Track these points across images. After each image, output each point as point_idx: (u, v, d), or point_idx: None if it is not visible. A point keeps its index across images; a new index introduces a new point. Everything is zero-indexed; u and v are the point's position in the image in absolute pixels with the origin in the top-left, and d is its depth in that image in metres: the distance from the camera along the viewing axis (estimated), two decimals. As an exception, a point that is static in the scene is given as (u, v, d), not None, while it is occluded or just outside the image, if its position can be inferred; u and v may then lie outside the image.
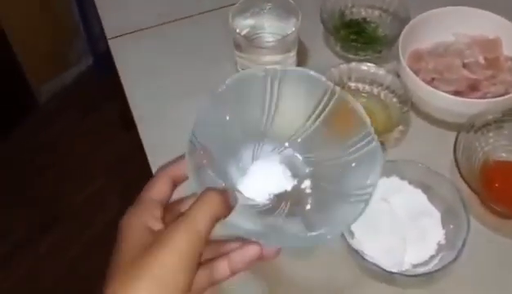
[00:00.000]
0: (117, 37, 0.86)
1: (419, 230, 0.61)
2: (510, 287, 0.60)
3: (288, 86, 0.46)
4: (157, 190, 0.40)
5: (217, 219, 0.37)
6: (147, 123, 0.76)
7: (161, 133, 0.75)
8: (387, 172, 0.64)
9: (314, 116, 0.47)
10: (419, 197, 0.63)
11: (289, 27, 0.73)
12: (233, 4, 0.75)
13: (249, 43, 0.74)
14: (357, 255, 0.58)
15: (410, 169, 0.64)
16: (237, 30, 0.73)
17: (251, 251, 0.39)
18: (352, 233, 0.61)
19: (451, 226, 0.60)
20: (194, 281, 0.36)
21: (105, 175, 1.57)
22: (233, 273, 0.39)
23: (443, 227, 0.61)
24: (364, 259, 0.57)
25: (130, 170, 1.14)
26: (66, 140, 1.65)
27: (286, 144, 0.48)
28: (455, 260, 0.56)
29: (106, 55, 0.89)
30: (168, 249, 0.35)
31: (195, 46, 0.85)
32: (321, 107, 0.47)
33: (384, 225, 0.62)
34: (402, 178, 0.64)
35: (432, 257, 0.59)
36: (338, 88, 0.46)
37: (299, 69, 0.48)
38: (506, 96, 0.66)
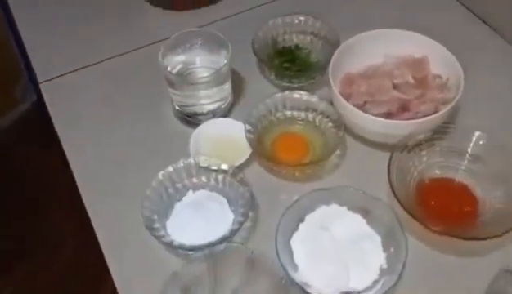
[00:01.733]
0: (49, 80, 0.85)
1: (360, 255, 0.62)
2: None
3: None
4: None
5: None
6: (84, 165, 0.74)
7: (98, 174, 0.73)
8: (325, 200, 0.65)
9: None
10: (358, 222, 0.64)
11: (221, 60, 0.73)
12: (165, 39, 0.74)
13: (182, 80, 0.74)
14: (299, 288, 0.57)
15: (347, 195, 0.65)
16: (168, 68, 0.72)
17: None
18: (295, 266, 0.61)
19: (392, 249, 0.61)
20: None
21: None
22: None
23: (384, 250, 0.62)
24: (307, 292, 0.57)
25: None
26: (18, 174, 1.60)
27: None
28: (395, 284, 0.57)
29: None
30: None
31: (130, 85, 0.84)
32: None
33: (325, 254, 0.62)
34: (341, 204, 0.65)
35: (375, 282, 0.60)
36: None
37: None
38: (435, 115, 0.68)
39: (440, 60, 0.75)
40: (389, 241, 0.62)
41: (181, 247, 0.62)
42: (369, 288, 0.59)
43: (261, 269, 0.59)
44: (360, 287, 0.60)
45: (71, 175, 0.73)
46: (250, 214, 0.67)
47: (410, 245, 0.60)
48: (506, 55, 0.86)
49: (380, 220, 0.63)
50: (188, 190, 0.68)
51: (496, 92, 0.80)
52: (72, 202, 0.73)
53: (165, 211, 0.66)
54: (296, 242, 0.63)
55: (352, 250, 0.62)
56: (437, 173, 0.69)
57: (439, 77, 0.76)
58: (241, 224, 0.63)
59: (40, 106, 1.72)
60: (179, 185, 0.68)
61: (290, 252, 0.62)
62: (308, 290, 0.57)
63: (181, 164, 0.67)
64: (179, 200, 0.68)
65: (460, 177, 0.68)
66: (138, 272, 0.64)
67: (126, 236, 0.67)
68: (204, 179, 0.69)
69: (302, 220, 0.64)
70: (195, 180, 0.69)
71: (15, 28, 1.58)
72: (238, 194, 0.66)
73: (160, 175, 0.66)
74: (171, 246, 0.62)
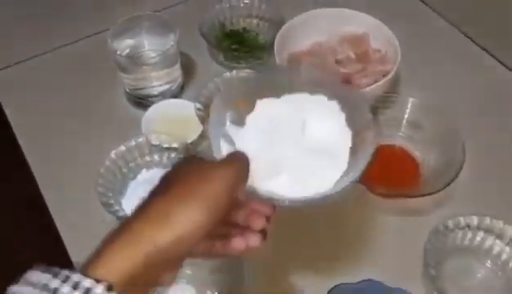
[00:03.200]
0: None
1: (307, 170, 0.46)
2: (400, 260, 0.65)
3: None
4: None
5: (246, 177, 0.41)
6: (37, 156, 0.75)
7: (54, 162, 0.75)
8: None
9: None
10: (342, 141, 0.48)
11: (169, 42, 0.75)
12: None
13: (131, 62, 0.75)
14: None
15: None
16: (118, 52, 0.74)
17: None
18: (243, 122, 0.49)
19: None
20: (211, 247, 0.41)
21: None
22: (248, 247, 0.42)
23: (334, 184, 0.45)
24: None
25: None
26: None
27: None
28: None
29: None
30: (218, 177, 0.38)
31: (80, 75, 0.85)
32: None
33: (278, 136, 0.48)
34: (343, 110, 0.49)
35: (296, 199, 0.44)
36: None
37: None
38: (373, 86, 0.71)
39: (379, 36, 0.79)
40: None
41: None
42: (282, 198, 0.44)
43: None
44: (276, 191, 0.45)
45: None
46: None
47: (356, 212, 0.64)
48: (437, 26, 0.92)
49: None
50: (142, 169, 0.70)
51: (430, 61, 0.85)
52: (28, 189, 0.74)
53: (120, 190, 0.68)
54: (264, 103, 0.49)
55: (305, 159, 0.47)
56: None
57: (378, 51, 0.80)
58: None
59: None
60: (132, 164, 0.69)
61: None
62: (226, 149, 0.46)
63: (133, 142, 0.69)
64: (133, 179, 0.70)
65: (399, 143, 0.72)
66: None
67: (82, 218, 0.68)
68: (156, 157, 0.70)
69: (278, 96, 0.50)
70: (148, 158, 0.70)
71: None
72: None
73: (113, 153, 0.67)
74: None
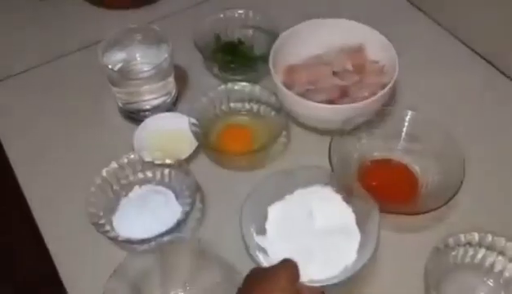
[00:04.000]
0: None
1: (330, 249, 0.58)
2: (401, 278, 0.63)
3: None
4: None
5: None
6: (25, 169, 0.74)
7: (44, 178, 0.73)
8: (322, 181, 0.62)
9: None
10: (347, 216, 0.60)
11: (162, 54, 0.73)
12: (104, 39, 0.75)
13: (123, 77, 0.74)
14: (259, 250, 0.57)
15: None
16: (109, 66, 0.72)
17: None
18: (264, 230, 0.60)
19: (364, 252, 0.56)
20: None
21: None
22: None
23: (357, 253, 0.57)
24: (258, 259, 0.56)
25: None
26: None
27: None
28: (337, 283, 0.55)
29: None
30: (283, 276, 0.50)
31: (71, 88, 0.83)
32: None
33: (297, 232, 0.59)
34: (337, 192, 0.62)
35: (332, 278, 0.55)
36: None
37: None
38: (371, 99, 0.70)
39: (376, 47, 0.78)
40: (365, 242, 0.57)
41: (127, 241, 0.62)
42: (322, 281, 0.55)
43: (210, 258, 0.60)
44: (316, 277, 0.55)
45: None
46: (199, 205, 0.68)
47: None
48: (438, 38, 0.90)
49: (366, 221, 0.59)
50: (134, 186, 0.68)
51: (428, 74, 0.83)
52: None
53: (111, 208, 0.66)
54: (275, 209, 0.61)
55: (325, 240, 0.58)
56: (377, 155, 0.71)
57: (376, 62, 0.78)
58: (187, 214, 0.63)
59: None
60: (124, 182, 0.68)
61: (264, 218, 0.61)
62: (263, 257, 0.57)
63: (125, 160, 0.67)
64: (125, 196, 0.68)
65: (398, 156, 0.71)
66: (85, 269, 0.64)
67: (73, 235, 0.66)
68: (149, 174, 0.69)
69: (291, 192, 0.62)
70: (140, 175, 0.69)
71: None
72: (184, 186, 0.66)
73: (104, 171, 0.66)
74: (116, 241, 0.62)
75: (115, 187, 0.67)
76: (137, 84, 0.74)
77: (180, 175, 0.67)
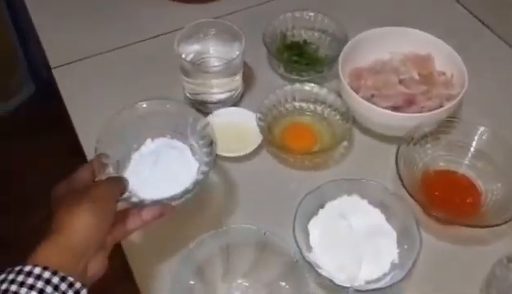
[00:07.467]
0: (61, 66, 0.86)
1: (374, 249, 0.64)
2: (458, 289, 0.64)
3: None
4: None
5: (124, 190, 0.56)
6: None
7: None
8: (348, 190, 0.67)
9: None
10: (377, 216, 0.66)
11: (234, 51, 0.75)
12: (177, 30, 0.76)
13: (195, 68, 0.75)
14: (311, 268, 0.59)
15: (370, 189, 0.66)
16: (183, 56, 0.74)
17: (158, 208, 0.57)
18: (310, 247, 0.63)
19: (405, 246, 0.63)
20: (112, 232, 0.52)
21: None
22: (144, 223, 0.56)
23: (398, 247, 0.64)
24: (318, 273, 0.59)
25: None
26: (17, 168, 1.59)
27: None
28: (403, 279, 0.59)
29: (49, 83, 0.88)
30: (101, 185, 0.54)
31: (142, 73, 0.85)
32: None
33: (341, 241, 0.64)
34: (363, 197, 0.67)
35: (385, 275, 0.62)
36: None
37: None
38: (440, 109, 0.70)
39: (444, 58, 0.78)
40: (404, 238, 0.63)
41: (139, 204, 0.58)
42: (378, 280, 0.61)
43: (273, 250, 0.61)
44: (369, 277, 0.62)
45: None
46: (258, 196, 0.69)
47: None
48: (504, 54, 0.90)
49: (398, 218, 0.64)
50: (146, 139, 0.66)
51: (499, 89, 0.84)
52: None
53: (123, 162, 0.64)
54: (314, 225, 0.65)
55: (368, 243, 0.64)
56: (442, 165, 0.71)
57: (443, 74, 0.78)
58: (206, 174, 0.61)
59: (40, 94, 1.73)
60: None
61: (307, 235, 0.64)
62: (320, 271, 0.59)
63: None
64: (137, 150, 0.66)
65: (463, 170, 0.71)
66: (151, 251, 0.66)
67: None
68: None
69: (322, 206, 0.66)
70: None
71: (17, 19, 1.59)
72: (201, 142, 0.64)
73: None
74: (128, 201, 0.58)
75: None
76: (207, 77, 0.75)
77: (196, 129, 0.65)
